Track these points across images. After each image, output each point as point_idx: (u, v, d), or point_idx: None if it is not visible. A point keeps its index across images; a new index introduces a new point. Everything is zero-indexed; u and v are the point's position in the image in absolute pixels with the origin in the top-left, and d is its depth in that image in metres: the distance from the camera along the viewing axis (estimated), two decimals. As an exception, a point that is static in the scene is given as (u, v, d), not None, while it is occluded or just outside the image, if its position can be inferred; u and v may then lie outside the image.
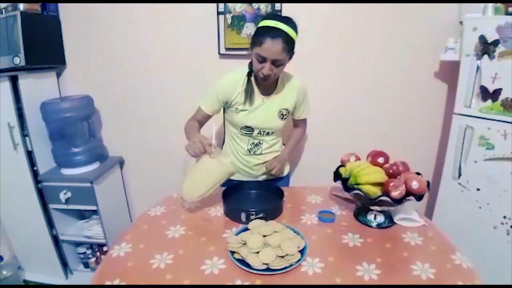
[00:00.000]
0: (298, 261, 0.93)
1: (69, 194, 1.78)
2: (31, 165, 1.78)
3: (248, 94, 1.35)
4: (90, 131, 1.87)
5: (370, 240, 1.08)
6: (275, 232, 1.01)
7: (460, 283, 0.88)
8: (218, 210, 1.28)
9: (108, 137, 2.14)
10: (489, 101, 1.54)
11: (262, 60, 1.21)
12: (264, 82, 1.31)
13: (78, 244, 2.09)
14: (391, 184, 1.02)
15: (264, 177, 1.54)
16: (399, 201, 1.02)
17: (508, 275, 1.53)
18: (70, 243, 2.04)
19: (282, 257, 0.92)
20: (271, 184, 1.43)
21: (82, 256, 2.12)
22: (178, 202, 1.34)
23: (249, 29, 1.79)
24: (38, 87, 1.77)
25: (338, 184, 1.28)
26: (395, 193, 1.01)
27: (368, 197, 1.03)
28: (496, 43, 1.47)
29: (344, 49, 1.87)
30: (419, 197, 1.05)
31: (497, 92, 1.50)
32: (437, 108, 1.99)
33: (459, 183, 1.72)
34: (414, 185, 1.03)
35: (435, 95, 1.96)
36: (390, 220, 1.17)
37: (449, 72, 1.87)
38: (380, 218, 1.16)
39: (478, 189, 1.64)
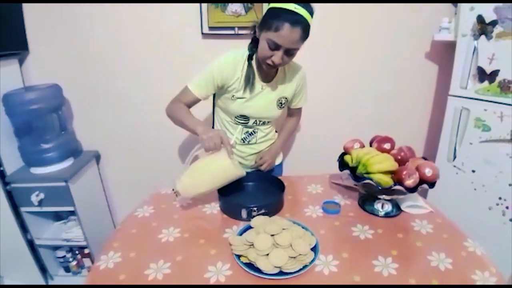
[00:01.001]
0: (312, 261, 0.84)
1: (42, 196, 1.61)
2: (-4, 165, 1.58)
3: (250, 81, 1.22)
4: (60, 124, 1.67)
5: (380, 231, 1.02)
6: (283, 229, 0.92)
7: (477, 271, 0.85)
8: (213, 207, 1.17)
9: (81, 130, 1.95)
10: (486, 83, 1.51)
11: (275, 47, 1.07)
12: (269, 69, 1.19)
13: (56, 247, 1.92)
14: (404, 172, 0.95)
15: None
16: (412, 190, 0.96)
17: (504, 256, 1.54)
18: (47, 247, 1.87)
19: (294, 257, 0.84)
20: (269, 175, 1.33)
21: (61, 260, 1.95)
22: (167, 200, 1.22)
23: (235, 6, 1.63)
24: (-3, 77, 1.55)
25: (336, 171, 1.22)
26: (409, 182, 0.94)
27: (380, 187, 0.96)
28: (494, 23, 1.43)
29: (334, 30, 1.78)
30: (431, 184, 0.99)
31: (494, 73, 1.46)
32: (429, 89, 1.96)
33: (454, 165, 1.70)
34: (428, 172, 0.97)
35: (427, 76, 1.92)
36: (397, 208, 1.12)
37: (441, 53, 1.83)
38: (388, 207, 1.10)
39: (473, 171, 1.63)
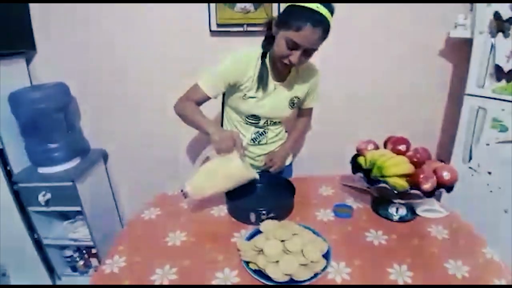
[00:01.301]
0: (324, 268, 0.81)
1: (48, 196, 1.60)
2: (4, 164, 1.57)
3: (263, 79, 1.17)
4: (67, 123, 1.65)
5: (395, 236, 0.98)
6: (294, 234, 0.88)
7: (495, 280, 0.82)
8: (221, 209, 1.14)
9: (88, 129, 1.93)
10: (504, 81, 1.45)
11: (294, 47, 1.02)
12: (284, 68, 1.15)
13: (63, 247, 1.92)
14: (421, 176, 0.90)
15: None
16: (430, 194, 0.91)
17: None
18: (55, 247, 1.86)
19: (305, 265, 0.80)
20: (278, 176, 1.29)
21: (69, 259, 1.95)
22: (174, 202, 1.19)
23: (243, 3, 1.60)
24: (5, 76, 1.53)
25: (348, 172, 1.17)
26: (427, 186, 0.90)
27: (396, 191, 0.92)
28: (511, 20, 1.37)
29: (347, 28, 1.72)
30: (449, 188, 0.95)
31: (512, 71, 1.40)
32: (444, 88, 1.90)
33: (470, 167, 1.65)
34: (445, 175, 0.93)
35: (442, 74, 1.86)
36: (412, 212, 1.07)
37: (457, 50, 1.77)
38: (403, 211, 1.06)
39: (489, 173, 1.57)
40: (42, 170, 1.63)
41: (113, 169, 2.07)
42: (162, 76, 1.80)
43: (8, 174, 1.60)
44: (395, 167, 0.93)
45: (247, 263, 0.83)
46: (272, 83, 1.21)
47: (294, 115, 1.44)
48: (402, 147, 1.04)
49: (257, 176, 1.10)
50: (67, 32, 1.70)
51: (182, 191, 1.08)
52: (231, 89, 1.22)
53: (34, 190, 1.59)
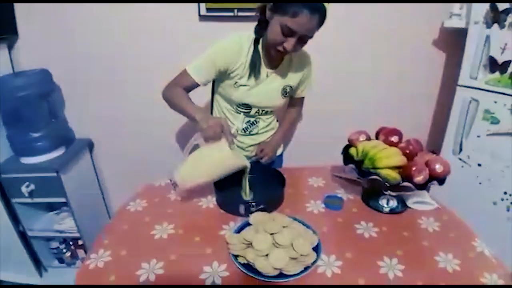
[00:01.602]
0: (314, 262, 0.79)
1: (32, 187, 1.54)
2: (-15, 155, 1.51)
3: (255, 67, 1.13)
4: (50, 112, 1.59)
5: (385, 228, 0.97)
6: (284, 227, 0.86)
7: (486, 274, 0.81)
8: (210, 201, 1.12)
9: (72, 117, 1.86)
10: (497, 73, 1.44)
11: (290, 33, 0.98)
12: (278, 55, 1.11)
13: (49, 238, 1.87)
14: (414, 168, 0.89)
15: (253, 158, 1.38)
16: (422, 187, 0.90)
17: (508, 252, 1.50)
18: (40, 238, 1.82)
19: (295, 258, 0.78)
20: (269, 167, 1.27)
21: (55, 251, 1.90)
22: (160, 193, 1.17)
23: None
24: (-15, 63, 1.47)
25: (338, 162, 1.16)
26: (419, 178, 0.89)
27: (387, 183, 0.90)
28: (507, 11, 1.35)
29: (338, 14, 1.67)
30: (441, 181, 0.94)
31: (506, 63, 1.39)
32: (436, 78, 1.88)
33: (460, 158, 1.65)
34: (438, 168, 0.92)
35: (434, 65, 1.85)
36: (403, 204, 1.07)
37: (451, 40, 1.75)
38: (393, 203, 1.05)
39: (479, 165, 1.58)
40: (25, 160, 1.57)
41: (99, 158, 2.01)
42: (149, 63, 1.73)
43: (-10, 165, 1.54)
44: (387, 159, 0.91)
45: (236, 256, 0.81)
46: (264, 71, 1.17)
47: (285, 104, 1.41)
48: (394, 139, 1.02)
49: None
50: (50, 16, 1.61)
51: (171, 181, 1.05)
52: (222, 76, 1.18)
53: (18, 181, 1.54)
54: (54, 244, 1.88)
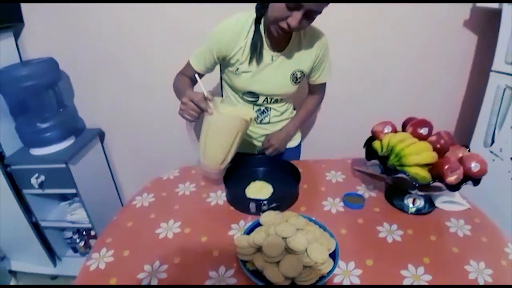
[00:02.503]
0: (330, 270, 0.71)
1: (42, 178, 1.53)
2: (-6, 147, 1.50)
3: (256, 50, 1.02)
4: (58, 101, 1.55)
5: (411, 232, 0.88)
6: (298, 229, 0.79)
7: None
8: (219, 196, 1.05)
9: (82, 106, 1.83)
10: (536, 57, 1.29)
11: (294, 7, 0.85)
12: (281, 35, 0.96)
13: (63, 229, 1.88)
14: (446, 167, 0.78)
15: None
16: (455, 188, 0.80)
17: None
18: (54, 229, 1.83)
19: (309, 266, 0.71)
20: (283, 161, 1.18)
21: (69, 241, 1.92)
22: (168, 187, 1.11)
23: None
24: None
25: (359, 155, 1.06)
26: (451, 178, 0.78)
27: (416, 183, 0.80)
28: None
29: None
30: (477, 182, 0.83)
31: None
32: (466, 64, 1.72)
33: (491, 151, 1.51)
34: (474, 167, 0.80)
35: (465, 49, 1.68)
36: (430, 204, 0.97)
37: (483, 22, 1.58)
38: (420, 203, 0.95)
39: (512, 158, 1.44)
40: (34, 151, 1.55)
41: (111, 148, 1.98)
42: (158, 49, 1.65)
43: (0, 157, 1.53)
44: (416, 156, 0.81)
45: (244, 262, 0.74)
46: (268, 54, 1.05)
47: (304, 90, 1.29)
48: (423, 131, 0.91)
49: (253, 115, 0.99)
50: (55, 2, 1.55)
51: (204, 170, 1.01)
52: (224, 63, 1.10)
53: (27, 172, 1.53)
54: (68, 234, 1.90)
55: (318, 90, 1.27)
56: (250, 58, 1.03)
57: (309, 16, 0.89)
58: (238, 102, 1.18)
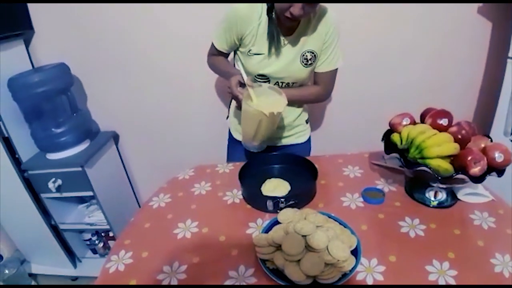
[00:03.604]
0: (353, 268, 0.70)
1: (59, 182, 1.55)
2: (11, 153, 1.52)
3: (274, 38, 1.04)
4: (71, 106, 1.57)
5: (434, 226, 0.85)
6: (317, 227, 0.77)
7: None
8: (235, 195, 1.04)
9: (95, 109, 1.84)
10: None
11: None
12: (288, 23, 1.00)
13: (81, 231, 1.91)
14: (469, 158, 0.75)
15: (285, 141, 1.31)
16: (479, 179, 0.77)
17: None
18: (73, 231, 1.86)
19: (331, 264, 0.69)
20: (298, 157, 1.16)
21: (88, 242, 1.95)
22: (185, 187, 1.11)
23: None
24: (3, 60, 1.45)
25: (376, 149, 1.03)
26: (475, 170, 0.75)
27: (438, 175, 0.78)
28: None
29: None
30: (501, 172, 0.79)
31: None
32: (482, 50, 1.66)
33: (511, 140, 1.46)
34: (498, 157, 0.77)
35: (480, 35, 1.62)
36: (453, 197, 0.94)
37: (499, 8, 1.51)
38: (442, 196, 0.92)
39: (535, 147, 1.38)
40: (50, 156, 1.57)
41: (126, 150, 1.99)
42: (171, 45, 1.63)
43: (17, 162, 1.55)
44: (438, 147, 0.78)
45: (264, 261, 0.73)
46: (280, 39, 1.07)
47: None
48: (443, 122, 0.88)
49: (280, 109, 1.01)
50: (65, 8, 1.56)
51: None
52: (238, 43, 1.11)
53: (44, 177, 1.55)
54: (87, 236, 1.92)
55: (318, 81, 1.19)
56: (269, 45, 1.06)
57: (310, 4, 0.91)
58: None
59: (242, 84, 1.03)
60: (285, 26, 1.04)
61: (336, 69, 1.17)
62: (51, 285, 1.87)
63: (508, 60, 1.41)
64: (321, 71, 1.16)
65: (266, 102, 1.03)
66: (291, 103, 1.14)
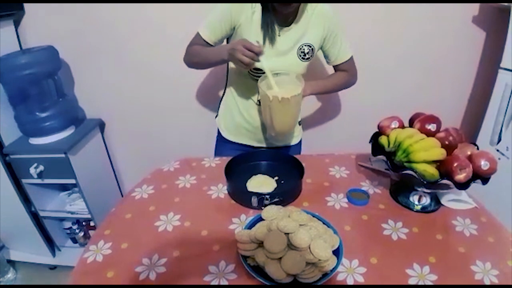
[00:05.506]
0: (334, 268, 0.69)
1: (41, 168, 1.51)
2: (-7, 136, 1.48)
3: (268, 27, 1.02)
4: (57, 90, 1.52)
5: (416, 230, 0.86)
6: (301, 225, 0.76)
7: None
8: (220, 190, 1.03)
9: (82, 96, 1.80)
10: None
11: None
12: (283, 10, 0.98)
13: (62, 219, 1.86)
14: (455, 164, 0.76)
15: (277, 143, 1.28)
16: (463, 186, 0.77)
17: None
18: (53, 219, 1.81)
19: (312, 263, 0.69)
20: (286, 155, 1.16)
21: (68, 231, 1.91)
22: (169, 179, 1.09)
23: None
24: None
25: (364, 151, 1.03)
26: (460, 176, 0.76)
27: (423, 180, 0.78)
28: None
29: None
30: (485, 180, 0.80)
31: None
32: (474, 60, 1.68)
33: (497, 149, 1.48)
34: (484, 165, 0.78)
35: (473, 45, 1.64)
36: (436, 202, 0.94)
37: (492, 19, 1.54)
38: (426, 200, 0.93)
39: (519, 157, 1.41)
40: (33, 140, 1.53)
41: (112, 139, 1.95)
42: (161, 36, 1.61)
43: (-1, 146, 1.51)
44: (425, 152, 0.78)
45: (245, 258, 0.72)
46: (276, 29, 1.05)
47: (317, 76, 1.25)
48: (432, 127, 0.89)
49: (296, 91, 0.99)
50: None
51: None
52: (231, 33, 1.09)
53: (26, 161, 1.51)
54: (67, 224, 1.88)
55: (345, 69, 1.21)
56: (264, 36, 1.04)
57: None
58: (243, 86, 1.16)
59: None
60: (281, 14, 1.01)
61: (351, 56, 1.18)
62: (51, 285, 1.82)
63: (500, 70, 1.43)
64: (339, 62, 1.17)
65: (284, 88, 1.01)
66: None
